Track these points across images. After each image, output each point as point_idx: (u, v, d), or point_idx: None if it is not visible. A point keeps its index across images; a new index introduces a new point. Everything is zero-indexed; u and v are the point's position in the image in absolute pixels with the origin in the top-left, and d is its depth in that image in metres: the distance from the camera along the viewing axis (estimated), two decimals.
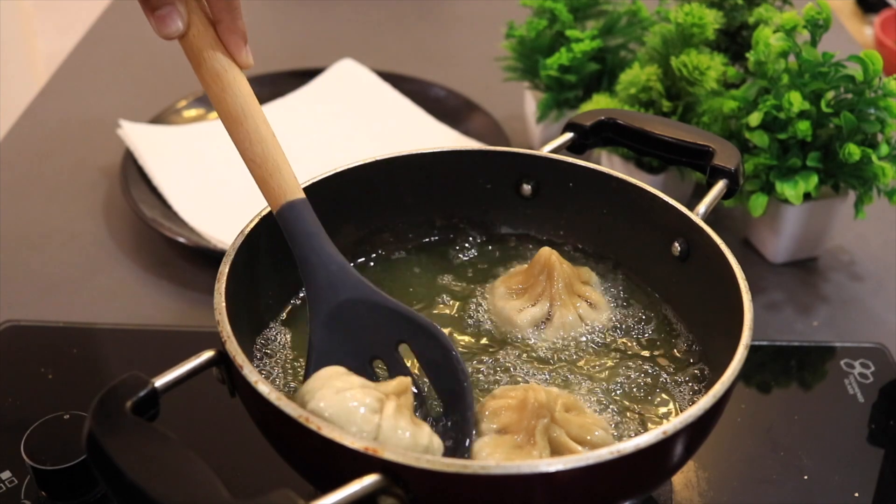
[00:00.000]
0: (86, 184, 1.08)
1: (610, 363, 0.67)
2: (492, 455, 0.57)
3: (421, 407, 0.62)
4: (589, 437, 0.59)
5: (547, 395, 0.59)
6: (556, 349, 0.68)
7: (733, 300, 0.62)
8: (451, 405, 0.61)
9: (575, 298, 0.71)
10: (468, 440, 0.59)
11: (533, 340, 0.69)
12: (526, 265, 0.74)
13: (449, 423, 0.60)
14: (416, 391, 0.62)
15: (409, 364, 0.64)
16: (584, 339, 0.69)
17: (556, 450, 0.59)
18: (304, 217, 0.63)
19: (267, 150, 0.63)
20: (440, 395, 0.62)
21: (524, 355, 0.68)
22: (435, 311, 0.72)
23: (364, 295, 0.62)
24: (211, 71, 0.63)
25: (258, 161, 0.63)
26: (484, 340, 0.70)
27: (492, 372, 0.67)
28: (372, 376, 0.62)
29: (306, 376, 0.61)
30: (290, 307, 0.71)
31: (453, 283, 0.75)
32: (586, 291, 0.72)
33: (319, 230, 0.63)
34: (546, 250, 0.71)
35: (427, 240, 0.79)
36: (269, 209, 0.68)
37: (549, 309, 0.70)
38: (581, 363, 0.67)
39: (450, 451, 0.59)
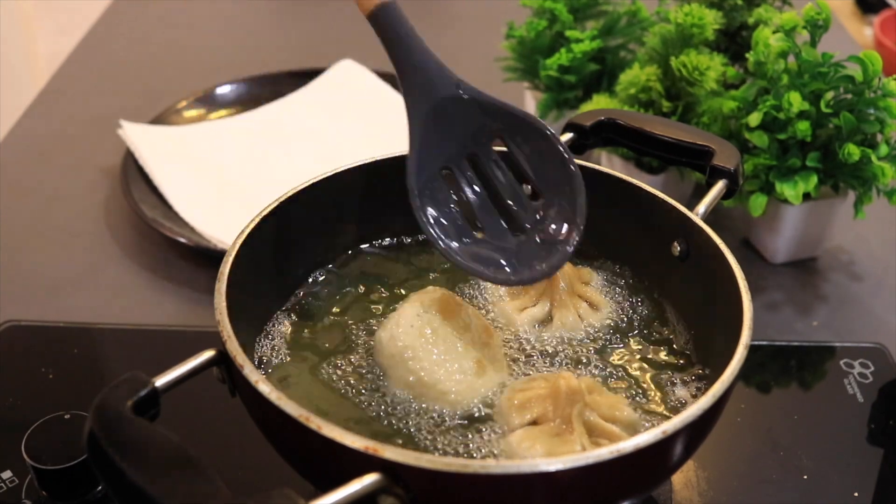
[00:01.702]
0: (86, 184, 1.08)
1: (609, 363, 0.67)
2: (533, 447, 0.57)
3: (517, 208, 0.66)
4: (618, 415, 0.60)
5: (577, 382, 0.60)
6: (555, 348, 0.68)
7: (733, 300, 0.62)
8: (555, 193, 0.64)
9: (575, 299, 0.71)
10: (579, 226, 0.63)
11: (533, 339, 0.69)
12: None
13: (552, 213, 0.64)
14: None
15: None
16: (583, 339, 0.69)
17: (592, 432, 0.59)
18: (401, 18, 0.64)
19: None
20: (542, 186, 0.65)
21: (523, 355, 0.68)
22: None
23: (462, 91, 0.64)
24: None
25: None
26: None
27: None
28: (467, 174, 0.65)
29: (408, 175, 0.63)
30: (290, 307, 0.71)
31: (454, 283, 0.75)
32: (587, 292, 0.72)
33: (414, 31, 0.64)
34: None
35: (427, 240, 0.79)
36: (269, 208, 0.68)
37: (549, 309, 0.70)
38: (581, 363, 0.67)
39: (554, 241, 0.63)
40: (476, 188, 0.67)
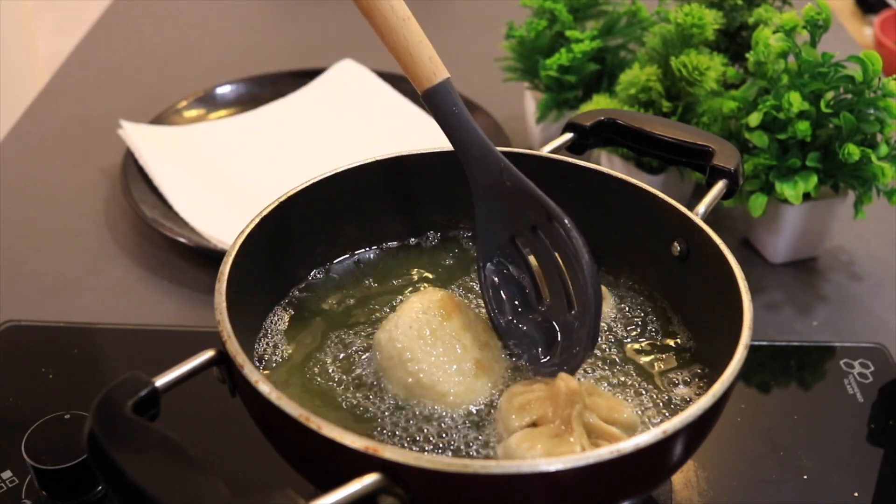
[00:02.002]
0: (86, 184, 1.08)
1: (609, 363, 0.67)
2: (533, 448, 0.57)
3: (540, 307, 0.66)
4: (618, 416, 0.60)
5: (577, 383, 0.60)
6: None
7: (733, 300, 0.62)
8: (573, 306, 0.63)
9: None
10: (589, 343, 0.61)
11: None
12: None
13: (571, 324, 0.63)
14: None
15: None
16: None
17: (591, 433, 0.59)
18: (455, 97, 0.66)
19: (414, 31, 0.66)
20: (566, 294, 0.64)
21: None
22: None
23: (505, 177, 0.66)
24: None
25: (405, 44, 0.65)
26: None
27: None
28: (513, 256, 0.67)
29: (478, 253, 0.67)
30: (290, 307, 0.71)
31: (455, 283, 0.75)
32: None
33: (467, 112, 0.66)
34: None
35: (427, 240, 0.79)
36: (269, 208, 0.68)
37: None
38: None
39: (567, 350, 0.63)
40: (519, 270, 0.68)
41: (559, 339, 0.65)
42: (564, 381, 0.59)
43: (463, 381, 0.62)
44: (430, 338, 0.62)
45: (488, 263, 0.68)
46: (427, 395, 0.61)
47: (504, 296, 0.68)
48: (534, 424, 0.59)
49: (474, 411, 0.62)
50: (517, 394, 0.62)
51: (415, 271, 0.76)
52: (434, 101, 0.66)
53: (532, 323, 0.67)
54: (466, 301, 0.71)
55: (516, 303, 0.67)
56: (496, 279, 0.68)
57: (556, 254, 0.64)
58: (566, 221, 0.62)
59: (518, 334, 0.67)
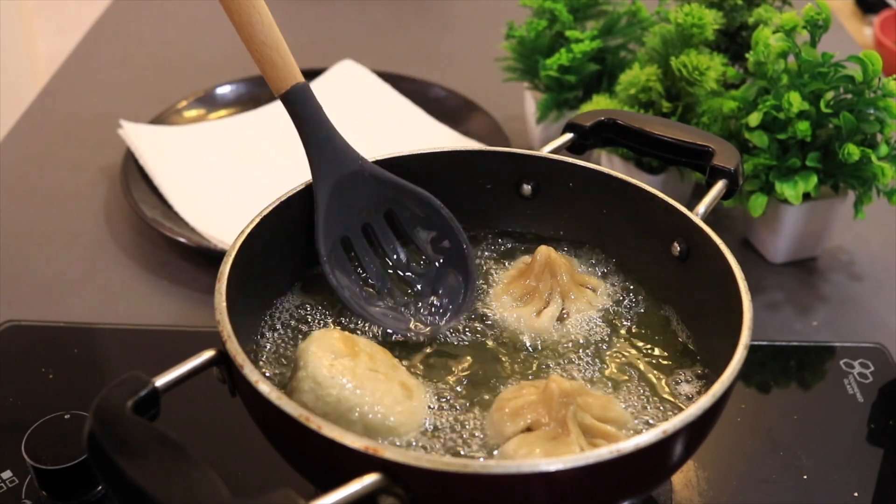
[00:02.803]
0: (86, 184, 1.08)
1: (610, 363, 0.67)
2: (531, 453, 0.57)
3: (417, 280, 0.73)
4: (611, 414, 0.60)
5: (569, 383, 0.60)
6: (585, 339, 0.69)
7: (733, 300, 0.62)
8: (448, 261, 0.73)
9: (579, 287, 0.72)
10: (471, 288, 0.71)
11: (556, 338, 0.69)
12: (517, 268, 0.74)
13: (449, 279, 0.72)
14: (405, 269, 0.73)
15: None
16: (601, 332, 0.70)
17: (588, 433, 0.59)
18: (311, 100, 0.69)
19: (276, 34, 0.67)
20: (436, 253, 0.73)
21: (557, 356, 0.68)
22: None
23: (363, 168, 0.71)
24: None
25: (269, 44, 0.66)
26: (490, 343, 0.70)
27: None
28: (360, 243, 0.72)
29: (317, 241, 0.69)
30: (290, 306, 0.71)
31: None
32: (583, 277, 0.73)
33: (322, 111, 0.70)
34: (544, 248, 0.71)
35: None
36: (269, 208, 0.68)
37: (563, 304, 0.70)
38: (582, 363, 0.67)
39: (452, 306, 0.71)
40: (373, 256, 0.73)
41: (431, 288, 0.72)
42: (556, 382, 0.59)
43: (403, 407, 0.60)
44: (353, 382, 0.59)
45: (332, 255, 0.70)
46: (380, 432, 0.59)
47: (355, 281, 0.72)
48: (528, 429, 0.59)
49: (429, 427, 0.61)
50: (508, 399, 0.61)
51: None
52: (293, 100, 0.69)
53: (395, 286, 0.73)
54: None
55: (366, 277, 0.72)
56: (345, 268, 0.71)
57: (426, 230, 0.73)
58: (421, 192, 0.72)
59: (386, 315, 0.70)
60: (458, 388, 0.64)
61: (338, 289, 0.69)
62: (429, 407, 0.62)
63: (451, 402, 0.63)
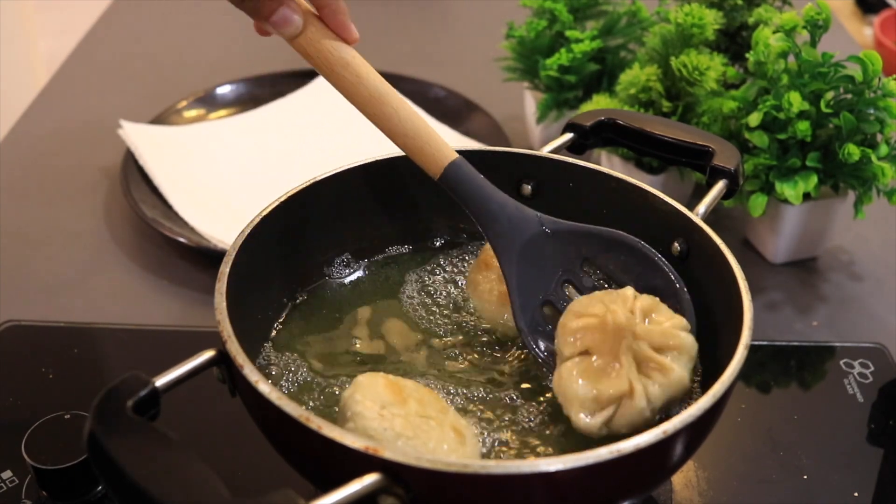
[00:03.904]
0: (86, 184, 1.08)
1: None
2: (576, 381, 0.59)
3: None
4: (672, 342, 0.61)
5: (626, 316, 0.60)
6: None
7: (733, 300, 0.62)
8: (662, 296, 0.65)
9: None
10: (691, 326, 0.63)
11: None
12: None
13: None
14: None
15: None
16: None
17: (643, 363, 0.60)
18: (470, 174, 0.66)
19: (415, 122, 0.65)
20: (646, 291, 0.65)
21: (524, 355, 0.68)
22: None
23: (545, 225, 0.67)
24: (339, 62, 0.64)
25: (410, 134, 0.65)
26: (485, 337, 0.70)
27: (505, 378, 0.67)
28: (564, 300, 0.67)
29: (515, 317, 0.66)
30: (290, 306, 0.72)
31: (456, 283, 0.75)
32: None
33: (485, 181, 0.67)
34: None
35: (427, 240, 0.79)
36: (270, 208, 0.68)
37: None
38: None
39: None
40: None
41: None
42: (612, 314, 0.60)
43: (458, 455, 0.58)
44: (406, 429, 0.56)
45: (532, 323, 0.66)
46: None
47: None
48: (586, 352, 0.60)
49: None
50: (575, 315, 0.63)
51: (415, 271, 0.76)
52: (453, 178, 0.66)
53: None
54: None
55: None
56: (546, 333, 0.66)
57: (624, 275, 0.67)
58: (621, 236, 0.67)
59: None
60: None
61: (544, 359, 0.65)
62: (482, 452, 0.60)
63: (505, 445, 0.61)
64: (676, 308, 0.65)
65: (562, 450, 0.61)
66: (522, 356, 0.68)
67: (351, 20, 0.64)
